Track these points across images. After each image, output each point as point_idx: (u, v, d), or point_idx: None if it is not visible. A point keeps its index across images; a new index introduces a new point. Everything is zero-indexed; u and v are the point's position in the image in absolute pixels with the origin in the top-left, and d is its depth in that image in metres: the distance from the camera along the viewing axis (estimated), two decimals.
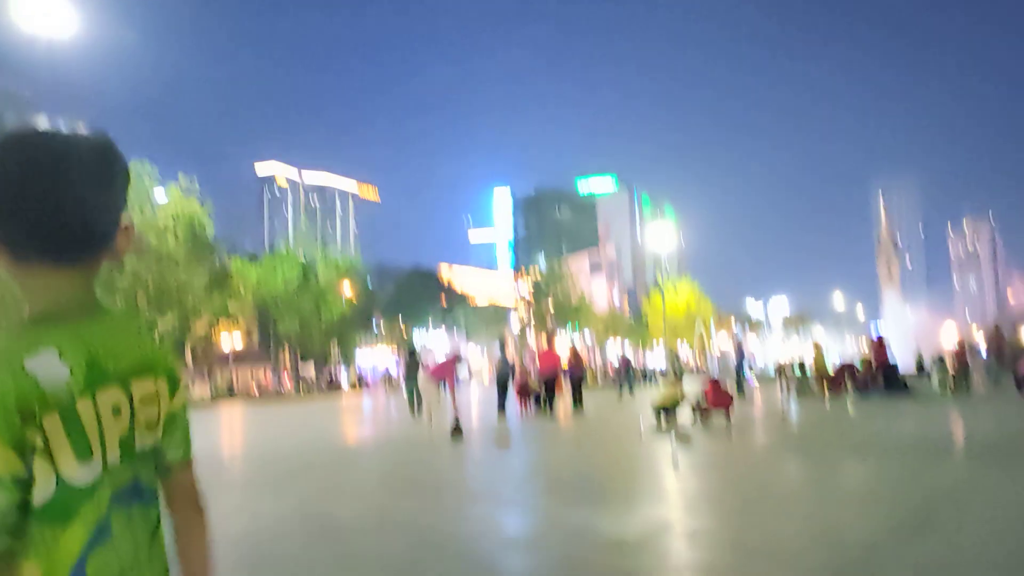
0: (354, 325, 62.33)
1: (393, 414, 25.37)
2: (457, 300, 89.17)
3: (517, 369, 23.55)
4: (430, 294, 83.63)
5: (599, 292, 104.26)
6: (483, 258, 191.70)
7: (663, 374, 52.74)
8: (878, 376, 25.04)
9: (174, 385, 1.45)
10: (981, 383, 26.08)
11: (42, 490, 1.21)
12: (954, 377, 24.73)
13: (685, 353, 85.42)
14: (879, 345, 25.85)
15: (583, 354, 27.61)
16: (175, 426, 1.47)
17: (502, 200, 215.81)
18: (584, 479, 10.10)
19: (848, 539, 6.12)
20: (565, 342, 60.95)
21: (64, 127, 1.33)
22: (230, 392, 48.31)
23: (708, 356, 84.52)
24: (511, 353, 23.91)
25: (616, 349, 78.86)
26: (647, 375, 57.95)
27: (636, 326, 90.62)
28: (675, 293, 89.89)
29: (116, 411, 1.31)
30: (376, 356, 71.81)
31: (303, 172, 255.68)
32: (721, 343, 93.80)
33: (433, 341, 73.71)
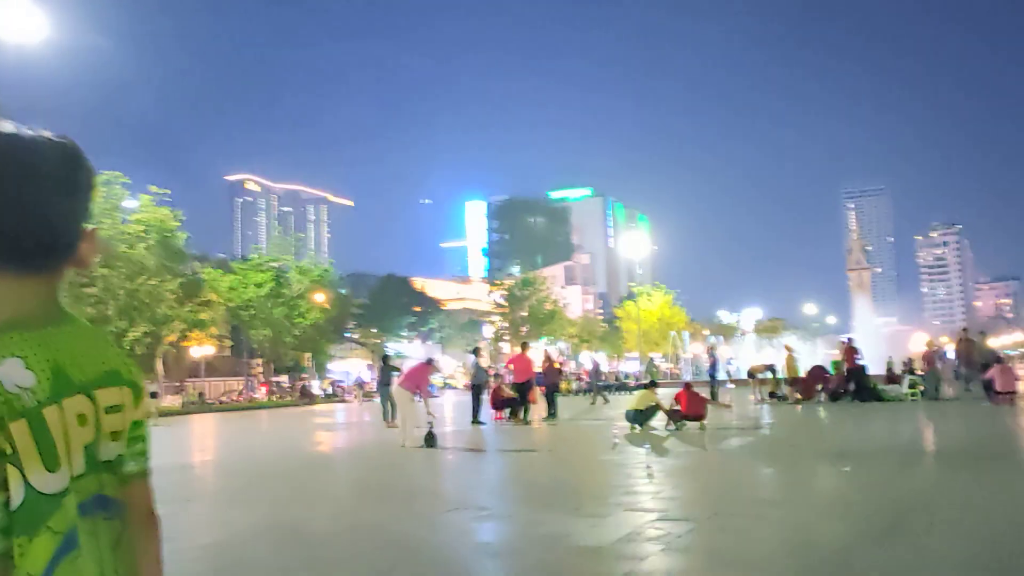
0: (327, 333, 61.91)
1: (367, 422, 25.24)
2: (430, 308, 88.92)
3: (492, 377, 23.52)
4: (404, 302, 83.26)
5: (573, 300, 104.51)
6: (456, 267, 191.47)
7: (637, 381, 52.93)
8: (849, 381, 25.31)
9: (138, 395, 1.43)
10: (950, 388, 26.43)
11: (12, 498, 1.19)
12: (923, 382, 25.04)
13: (658, 360, 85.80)
14: (849, 349, 26.13)
15: (557, 362, 27.63)
16: (137, 437, 1.45)
17: (474, 212, 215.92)
18: (558, 486, 10.11)
19: (820, 544, 6.17)
20: (539, 350, 61.03)
21: (29, 132, 1.31)
22: (202, 402, 47.79)
23: (681, 363, 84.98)
24: (485, 361, 23.88)
25: (590, 357, 79.06)
26: (620, 383, 58.11)
27: (610, 334, 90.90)
28: (648, 301, 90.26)
29: (82, 420, 1.29)
30: (350, 364, 71.45)
31: (275, 181, 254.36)
32: (694, 350, 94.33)
33: (407, 349, 73.47)
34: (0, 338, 1.24)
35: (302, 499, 9.77)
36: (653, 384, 19.64)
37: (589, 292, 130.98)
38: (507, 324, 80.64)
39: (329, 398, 54.02)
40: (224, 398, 49.96)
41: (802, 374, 27.38)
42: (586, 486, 10.10)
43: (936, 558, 5.53)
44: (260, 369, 59.52)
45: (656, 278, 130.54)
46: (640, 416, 16.88)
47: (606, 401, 31.97)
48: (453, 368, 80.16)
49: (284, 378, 59.00)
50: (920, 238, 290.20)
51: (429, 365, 18.25)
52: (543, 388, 24.20)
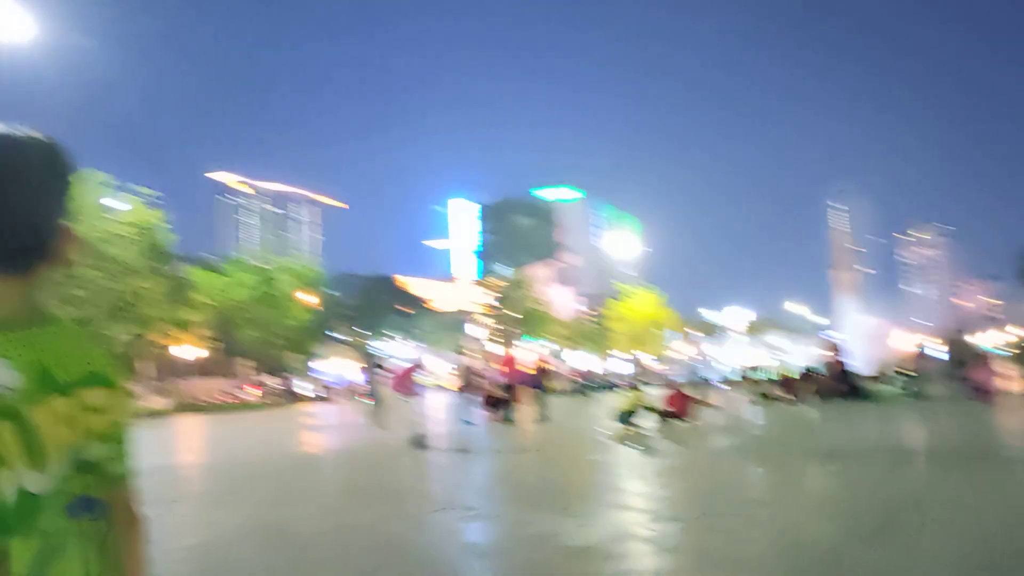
0: (315, 334, 61.71)
1: (355, 423, 25.15)
2: (419, 308, 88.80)
3: (480, 377, 23.50)
4: (392, 302, 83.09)
5: (560, 300, 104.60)
6: (440, 268, 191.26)
7: (626, 381, 53.02)
8: (839, 382, 25.43)
9: (122, 396, 1.41)
10: (938, 387, 26.57)
11: (3, 498, 1.18)
12: (912, 382, 25.18)
13: (647, 360, 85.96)
14: (836, 351, 26.27)
15: (545, 362, 27.65)
16: (120, 438, 1.43)
17: (458, 210, 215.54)
18: (547, 486, 10.09)
19: (810, 544, 6.17)
20: (528, 350, 61.04)
21: (10, 131, 1.29)
22: (189, 403, 47.54)
23: (670, 363, 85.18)
24: (474, 361, 23.86)
25: (578, 357, 79.13)
26: (609, 382, 58.19)
27: (598, 334, 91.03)
28: (636, 301, 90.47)
29: (67, 421, 1.27)
30: (337, 365, 71.23)
31: (261, 181, 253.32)
32: (683, 350, 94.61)
33: (395, 349, 73.33)
34: None
35: (289, 500, 9.72)
36: (642, 384, 19.67)
37: (577, 292, 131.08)
38: (496, 324, 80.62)
39: (318, 399, 53.85)
40: (212, 399, 49.69)
41: (793, 375, 27.50)
42: (575, 486, 10.09)
43: (926, 558, 5.54)
44: (249, 370, 59.23)
45: (644, 277, 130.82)
46: (630, 416, 16.89)
47: (593, 400, 31.97)
48: (442, 368, 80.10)
49: (274, 379, 58.72)
50: (903, 237, 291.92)
51: (416, 367, 18.23)
52: (533, 388, 24.19)
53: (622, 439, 15.36)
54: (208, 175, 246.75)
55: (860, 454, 12.05)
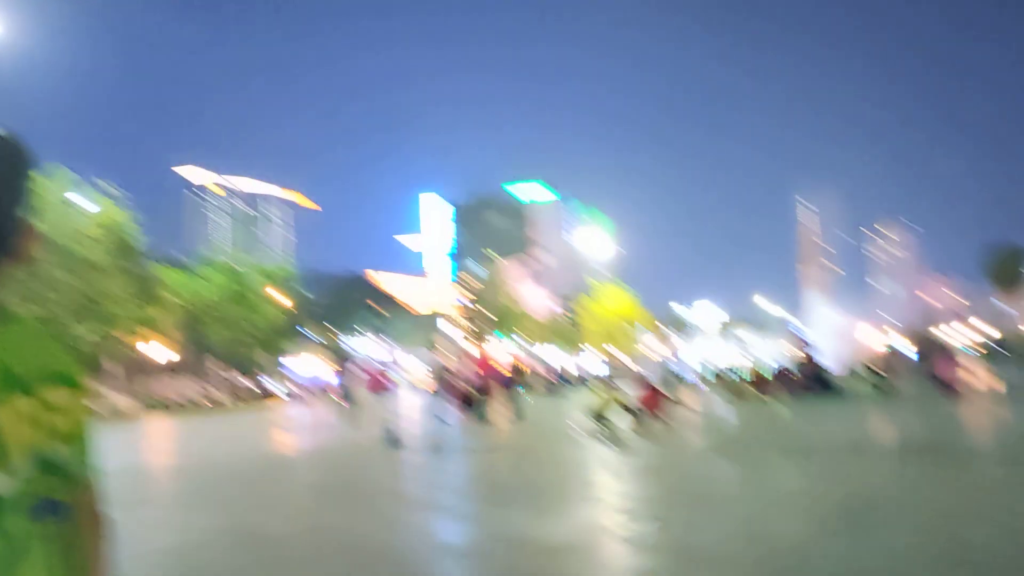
0: (286, 333, 61.24)
1: (327, 423, 24.99)
2: (392, 307, 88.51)
3: (454, 376, 23.44)
4: (362, 301, 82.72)
5: (533, 298, 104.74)
6: (412, 264, 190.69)
7: (599, 379, 53.23)
8: (809, 379, 25.68)
9: (84, 395, 1.38)
10: (906, 384, 26.90)
11: None
12: (881, 379, 25.48)
13: (620, 358, 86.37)
14: (806, 348, 26.54)
15: (519, 360, 27.69)
16: (84, 439, 1.39)
17: (429, 206, 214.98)
18: (521, 485, 10.07)
19: (781, 538, 6.21)
20: (501, 348, 61.05)
21: None
22: (158, 404, 46.98)
23: (643, 361, 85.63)
24: (448, 359, 23.81)
25: (551, 355, 79.30)
26: (583, 380, 58.38)
27: (571, 332, 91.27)
28: (608, 298, 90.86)
29: (30, 421, 1.24)
30: (309, 365, 70.77)
31: (231, 177, 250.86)
32: (656, 347, 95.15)
33: (368, 348, 73.00)
34: None
35: (261, 502, 9.61)
36: (615, 382, 19.71)
37: (550, 290, 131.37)
38: (470, 323, 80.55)
39: (291, 399, 53.47)
40: (182, 399, 49.15)
41: (765, 372, 27.75)
42: (549, 484, 10.07)
43: (893, 550, 5.59)
44: (219, 370, 58.64)
45: (615, 274, 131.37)
46: (603, 413, 16.91)
47: (564, 398, 32.01)
48: (415, 367, 79.87)
49: (245, 379, 58.22)
50: (871, 234, 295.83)
51: (388, 366, 18.14)
52: (507, 387, 24.18)
53: (596, 437, 15.38)
54: (177, 170, 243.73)
55: (829, 450, 12.17)
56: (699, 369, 45.35)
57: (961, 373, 22.53)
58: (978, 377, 24.97)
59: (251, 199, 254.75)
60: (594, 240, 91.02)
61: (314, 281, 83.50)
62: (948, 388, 21.93)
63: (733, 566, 5.51)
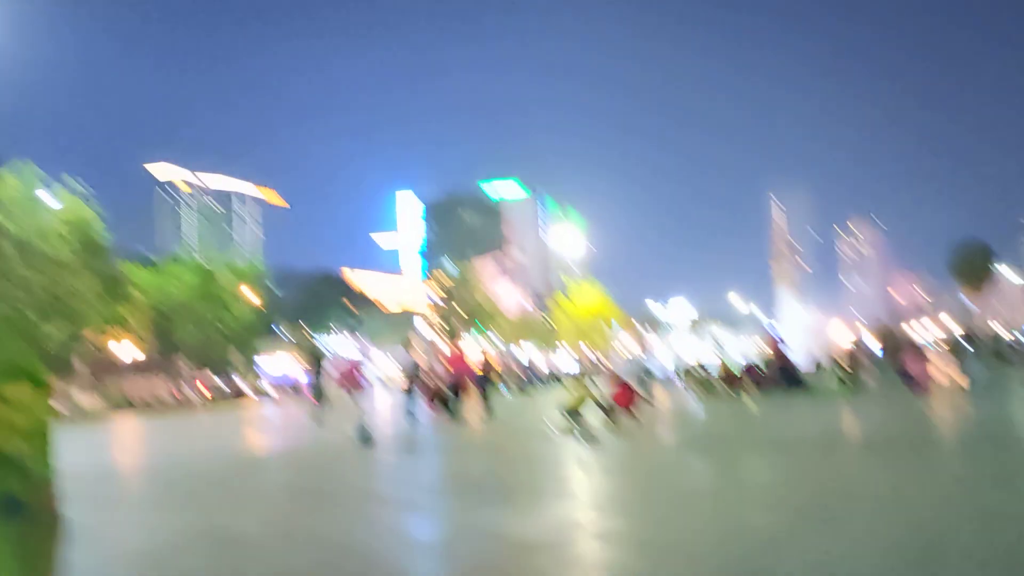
0: (258, 332, 60.76)
1: (299, 422, 24.86)
2: (364, 305, 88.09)
3: (426, 373, 23.40)
4: (336, 299, 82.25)
5: (506, 295, 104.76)
6: (387, 262, 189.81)
7: (572, 376, 53.37)
8: (777, 375, 25.95)
9: (44, 391, 1.37)
10: (873, 379, 27.26)
11: None
12: (848, 374, 25.80)
13: (593, 355, 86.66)
14: (776, 345, 26.82)
15: (492, 358, 27.70)
16: (44, 436, 1.38)
17: (405, 204, 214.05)
18: (494, 482, 10.10)
19: (752, 533, 6.29)
20: (474, 346, 60.99)
21: None
22: (126, 403, 46.41)
23: (616, 358, 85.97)
24: (419, 357, 23.76)
25: (524, 352, 79.37)
26: (555, 377, 58.49)
27: (544, 329, 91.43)
28: (581, 296, 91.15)
29: None
30: (281, 363, 70.25)
31: (201, 175, 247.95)
32: (628, 344, 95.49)
33: (339, 346, 72.62)
34: None
35: (233, 502, 9.56)
36: (587, 378, 19.79)
37: (523, 288, 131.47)
38: (443, 320, 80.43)
39: (262, 397, 53.06)
40: (151, 399, 48.60)
41: (735, 369, 27.99)
42: (521, 480, 10.11)
43: (863, 544, 5.69)
44: (188, 369, 58.02)
45: (589, 272, 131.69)
46: (575, 410, 16.99)
47: (535, 395, 32.10)
48: (387, 364, 79.62)
49: (213, 378, 57.64)
50: (841, 231, 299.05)
51: (359, 363, 18.09)
52: (478, 384, 24.18)
53: (567, 433, 15.45)
54: (147, 167, 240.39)
55: (799, 445, 12.33)
56: (672, 366, 45.63)
57: (927, 369, 22.87)
58: (943, 372, 25.37)
59: (222, 196, 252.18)
60: (567, 238, 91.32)
61: (287, 279, 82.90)
62: (914, 383, 22.26)
63: (706, 560, 5.58)
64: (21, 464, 1.32)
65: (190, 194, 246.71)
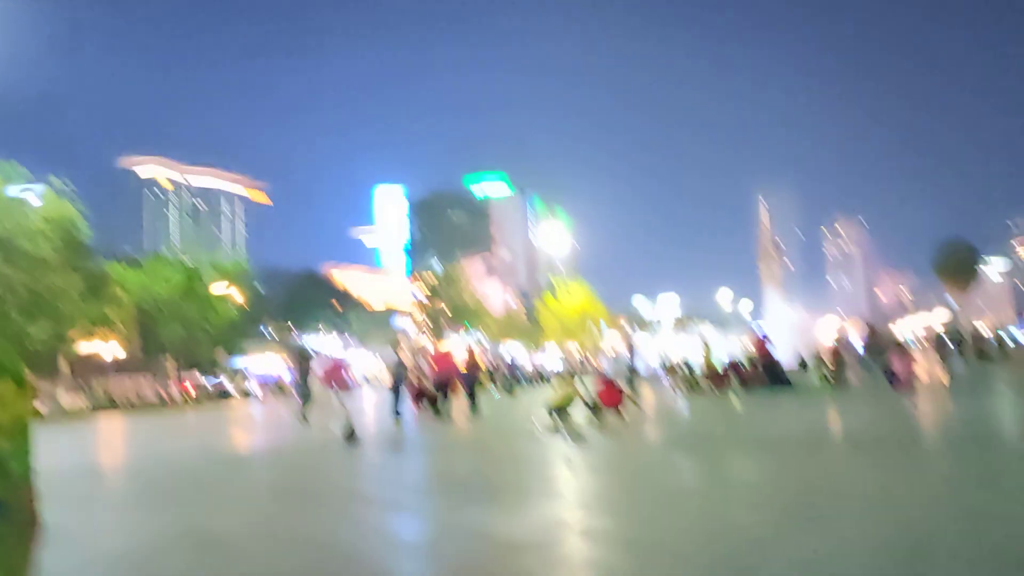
0: (242, 331, 60.53)
1: (284, 421, 24.74)
2: (349, 303, 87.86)
3: (411, 372, 23.34)
4: (321, 297, 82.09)
5: (493, 294, 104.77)
6: (371, 259, 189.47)
7: (558, 374, 53.40)
8: (762, 372, 26.03)
9: (23, 389, 1.33)
10: (858, 377, 27.40)
11: None
12: (833, 372, 25.91)
13: (579, 353, 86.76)
14: (762, 343, 26.90)
15: (478, 356, 27.64)
16: (24, 434, 1.34)
17: (385, 199, 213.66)
18: (480, 481, 10.06)
19: (739, 532, 6.28)
20: (460, 344, 60.91)
21: None
22: (110, 403, 46.09)
23: (601, 356, 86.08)
24: (405, 356, 23.69)
25: (510, 351, 79.39)
26: (541, 376, 58.50)
27: (530, 327, 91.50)
28: (568, 294, 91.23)
29: None
30: (266, 362, 70.00)
31: (186, 174, 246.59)
32: (614, 343, 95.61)
33: (325, 345, 72.39)
34: None
35: (216, 501, 9.48)
36: (572, 377, 19.78)
37: (508, 285, 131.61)
38: (427, 318, 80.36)
39: (244, 396, 52.82)
40: (134, 397, 48.27)
41: (720, 366, 28.06)
42: (507, 479, 10.08)
43: (850, 543, 5.68)
44: (172, 368, 57.69)
45: (576, 270, 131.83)
46: (561, 408, 16.97)
47: (516, 394, 32.07)
48: (372, 363, 79.44)
49: (197, 377, 57.33)
50: (827, 230, 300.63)
51: (343, 360, 18.01)
52: (464, 382, 24.13)
53: (553, 431, 15.43)
54: (129, 166, 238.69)
55: (785, 443, 12.34)
56: (658, 364, 45.71)
57: (911, 367, 22.99)
58: (927, 370, 25.54)
59: (207, 195, 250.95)
60: (554, 236, 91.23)
61: (271, 277, 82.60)
62: (898, 381, 22.37)
63: (691, 560, 5.56)
64: (2, 462, 1.29)
65: (175, 192, 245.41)
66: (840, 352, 27.34)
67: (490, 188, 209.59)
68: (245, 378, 61.08)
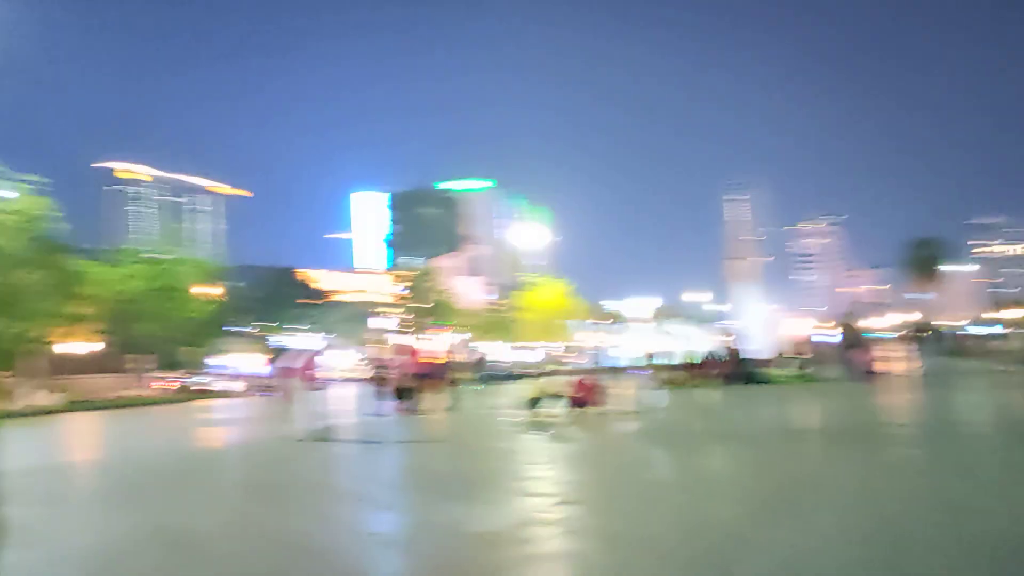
0: (218, 327, 59.95)
1: (259, 417, 24.57)
2: (324, 300, 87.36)
3: (387, 368, 23.27)
4: (297, 293, 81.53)
5: (470, 290, 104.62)
6: (346, 259, 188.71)
7: (535, 369, 53.42)
8: (737, 367, 26.24)
9: None
10: (831, 372, 27.66)
11: None
12: (807, 366, 26.17)
13: (555, 348, 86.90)
14: (735, 339, 27.13)
15: (454, 352, 27.61)
16: None
17: (362, 203, 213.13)
18: (454, 475, 10.04)
19: (716, 524, 6.30)
20: (437, 340, 60.82)
21: None
22: (85, 400, 45.46)
23: (578, 351, 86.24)
24: (382, 352, 23.62)
25: (487, 346, 79.37)
26: (518, 371, 58.54)
27: (506, 323, 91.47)
28: (544, 290, 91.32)
29: None
30: (242, 359, 69.46)
31: (160, 171, 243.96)
32: (591, 338, 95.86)
33: (301, 342, 71.96)
34: None
35: (188, 498, 9.37)
36: (550, 372, 19.83)
37: (485, 282, 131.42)
38: (404, 315, 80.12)
39: (220, 393, 52.35)
40: (106, 395, 47.65)
41: (694, 360, 28.24)
42: (482, 474, 10.07)
43: (823, 533, 5.72)
44: (147, 364, 57.07)
45: (552, 266, 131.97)
46: (537, 404, 16.99)
47: (489, 389, 32.00)
48: (348, 360, 79.10)
49: (170, 373, 56.75)
50: (797, 227, 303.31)
51: (317, 356, 17.90)
52: (441, 378, 24.08)
53: (530, 427, 15.45)
54: (103, 164, 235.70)
55: (758, 435, 12.44)
56: (634, 359, 45.91)
57: (881, 359, 23.27)
58: (896, 363, 25.85)
59: (182, 192, 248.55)
60: (531, 233, 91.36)
61: (245, 274, 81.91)
62: (868, 373, 22.64)
63: (666, 552, 5.58)
64: None
65: (150, 191, 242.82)
66: (814, 347, 27.63)
67: (468, 186, 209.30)
68: (221, 375, 60.57)
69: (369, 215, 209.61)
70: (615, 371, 34.24)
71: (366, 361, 24.04)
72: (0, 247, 37.75)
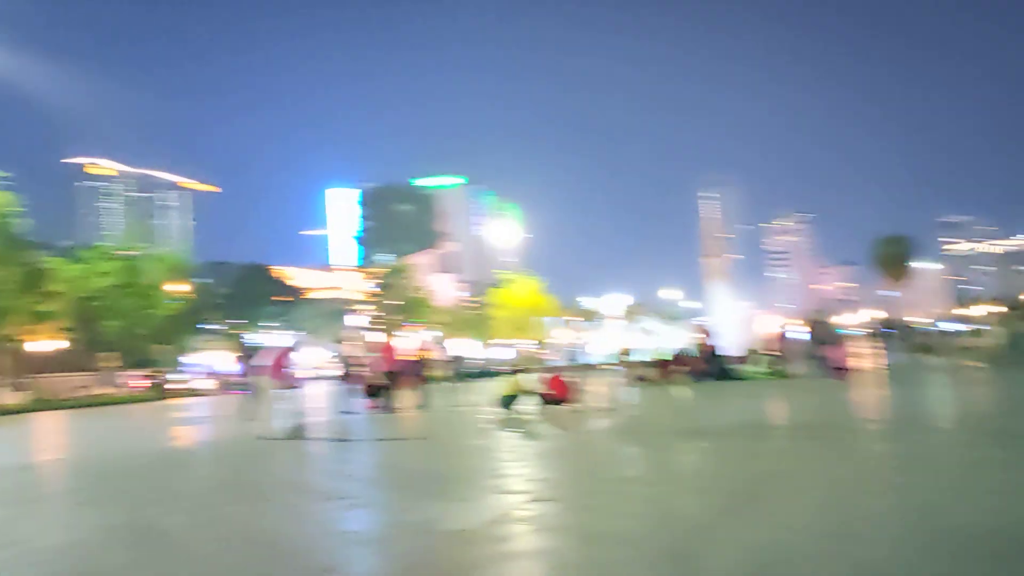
0: (186, 324, 59.38)
1: (230, 414, 24.36)
2: (296, 297, 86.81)
3: (360, 365, 23.16)
4: (268, 290, 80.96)
5: (442, 288, 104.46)
6: (320, 256, 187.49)
7: (508, 366, 53.45)
8: (709, 363, 26.45)
9: None
10: (801, 368, 27.97)
11: None
12: (777, 362, 26.43)
13: (528, 346, 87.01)
14: (706, 334, 27.35)
15: (427, 349, 27.51)
16: None
17: (336, 200, 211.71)
18: (428, 473, 10.03)
19: (686, 519, 6.36)
20: (409, 337, 60.68)
21: None
22: (52, 398, 44.83)
23: (551, 348, 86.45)
24: (355, 349, 23.51)
25: (460, 343, 79.32)
26: (491, 368, 58.56)
27: (479, 321, 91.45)
28: (518, 287, 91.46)
29: None
30: (212, 355, 68.81)
31: (128, 167, 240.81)
32: (564, 335, 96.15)
33: (273, 339, 71.43)
34: None
35: (159, 496, 9.28)
36: (522, 369, 19.86)
37: (458, 279, 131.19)
38: (377, 312, 79.83)
39: (190, 392, 51.86)
40: (74, 393, 47.01)
41: (666, 357, 28.43)
42: (456, 471, 10.07)
43: (793, 527, 5.79)
44: (116, 362, 56.36)
45: (526, 263, 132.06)
46: (511, 401, 17.02)
47: (464, 386, 32.00)
48: (320, 357, 78.64)
49: (139, 371, 56.08)
50: (768, 225, 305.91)
51: (289, 352, 17.78)
52: (414, 375, 24.01)
53: (503, 424, 15.46)
54: (72, 160, 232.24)
55: (729, 431, 12.55)
56: (606, 355, 46.09)
57: (850, 355, 23.57)
58: (865, 358, 26.19)
59: (151, 188, 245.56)
60: (504, 230, 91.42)
61: (215, 271, 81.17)
62: (838, 369, 22.92)
63: (639, 547, 5.61)
64: None
65: (113, 181, 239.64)
66: (784, 343, 27.91)
67: (440, 182, 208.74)
68: (191, 373, 59.97)
69: (344, 211, 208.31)
70: (589, 368, 34.37)
71: (338, 358, 23.90)
72: None
